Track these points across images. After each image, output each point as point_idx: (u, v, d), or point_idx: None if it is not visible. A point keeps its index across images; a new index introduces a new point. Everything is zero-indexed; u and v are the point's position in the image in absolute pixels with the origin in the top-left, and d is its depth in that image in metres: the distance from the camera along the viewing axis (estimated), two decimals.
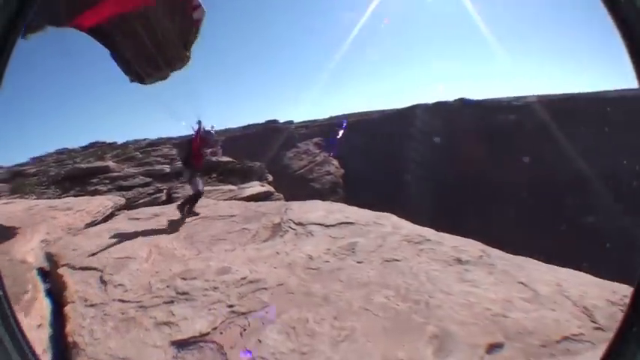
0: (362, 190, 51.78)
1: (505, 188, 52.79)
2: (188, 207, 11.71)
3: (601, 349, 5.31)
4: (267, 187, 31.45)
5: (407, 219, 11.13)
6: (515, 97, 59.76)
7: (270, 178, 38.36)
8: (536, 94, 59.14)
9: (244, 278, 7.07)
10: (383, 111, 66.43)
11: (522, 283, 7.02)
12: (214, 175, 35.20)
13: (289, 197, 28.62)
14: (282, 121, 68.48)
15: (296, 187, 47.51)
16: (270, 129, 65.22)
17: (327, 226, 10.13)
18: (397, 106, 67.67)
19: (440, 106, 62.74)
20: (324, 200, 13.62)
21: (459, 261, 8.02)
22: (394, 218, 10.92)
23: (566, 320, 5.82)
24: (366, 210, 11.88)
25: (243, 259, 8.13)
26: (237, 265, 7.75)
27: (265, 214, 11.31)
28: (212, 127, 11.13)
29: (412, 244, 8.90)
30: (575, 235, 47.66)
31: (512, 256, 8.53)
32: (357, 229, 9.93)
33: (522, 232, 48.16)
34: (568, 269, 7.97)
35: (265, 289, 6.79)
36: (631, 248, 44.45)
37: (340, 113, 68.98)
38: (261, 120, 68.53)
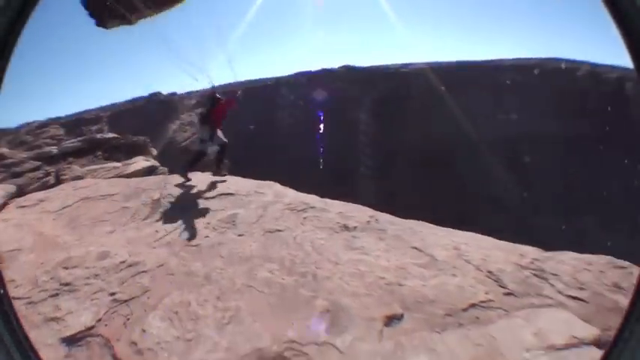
0: (248, 159, 51.18)
1: (397, 155, 54.16)
2: (216, 168, 11.42)
3: (518, 317, 4.89)
4: (152, 162, 30.05)
5: (292, 188, 10.60)
6: (403, 64, 60.94)
7: (155, 152, 36.68)
8: (426, 61, 60.61)
9: (124, 262, 6.66)
10: (266, 79, 65.39)
11: (417, 248, 6.70)
12: (99, 153, 33.09)
13: (174, 170, 27.80)
14: (165, 92, 65.79)
15: (181, 159, 46.08)
16: (155, 102, 62.58)
17: (206, 198, 9.62)
18: (282, 74, 66.45)
19: (324, 74, 63.14)
20: (209, 171, 12.80)
21: (346, 228, 7.57)
22: (277, 187, 10.39)
23: (470, 286, 5.52)
24: (248, 179, 11.35)
25: (122, 242, 7.58)
26: (116, 249, 7.16)
27: (145, 190, 10.76)
28: (239, 92, 11.17)
29: (295, 213, 8.40)
30: (471, 203, 49.90)
31: (403, 220, 8.21)
32: (237, 199, 9.38)
33: (418, 199, 49.74)
34: (466, 232, 7.75)
35: (145, 272, 6.31)
36: (528, 216, 47.63)
37: (224, 82, 66.85)
38: (145, 93, 65.13)
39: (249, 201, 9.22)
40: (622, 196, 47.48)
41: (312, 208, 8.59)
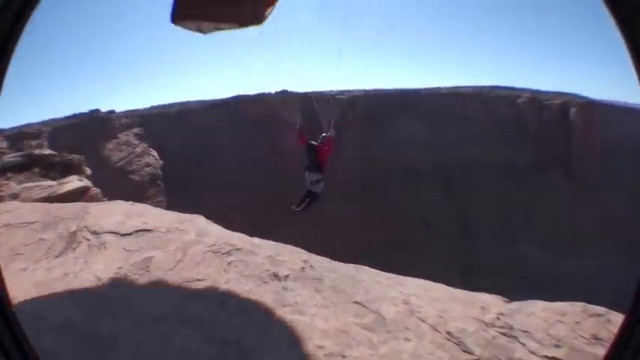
0: (180, 184, 49.77)
1: (334, 182, 53.54)
2: (304, 204, 10.55)
3: None
4: (85, 182, 29.39)
5: (222, 218, 9.46)
6: (340, 91, 61.09)
7: (89, 171, 35.52)
8: (364, 88, 61.08)
9: (30, 314, 5.48)
10: (204, 101, 64.52)
11: (360, 303, 5.71)
12: (37, 170, 32.31)
13: (108, 191, 27.09)
14: (104, 110, 64.13)
15: (115, 179, 44.37)
16: (94, 119, 60.70)
17: (122, 235, 8.49)
18: (219, 97, 65.68)
19: (262, 98, 62.49)
20: (141, 195, 11.64)
21: (277, 276, 6.46)
22: (200, 222, 9.20)
23: (429, 354, 4.55)
24: (170, 213, 10.32)
25: (30, 285, 6.64)
26: (22, 293, 6.17)
27: (64, 219, 9.84)
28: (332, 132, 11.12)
29: (219, 256, 7.25)
30: (410, 229, 49.82)
31: (342, 265, 7.27)
32: (155, 238, 8.23)
33: (355, 226, 49.24)
34: (415, 279, 6.77)
35: (49, 329, 5.31)
36: (468, 241, 47.76)
37: (161, 103, 65.73)
38: (85, 109, 63.37)
39: (167, 240, 8.06)
40: (561, 219, 48.64)
41: (237, 250, 7.43)
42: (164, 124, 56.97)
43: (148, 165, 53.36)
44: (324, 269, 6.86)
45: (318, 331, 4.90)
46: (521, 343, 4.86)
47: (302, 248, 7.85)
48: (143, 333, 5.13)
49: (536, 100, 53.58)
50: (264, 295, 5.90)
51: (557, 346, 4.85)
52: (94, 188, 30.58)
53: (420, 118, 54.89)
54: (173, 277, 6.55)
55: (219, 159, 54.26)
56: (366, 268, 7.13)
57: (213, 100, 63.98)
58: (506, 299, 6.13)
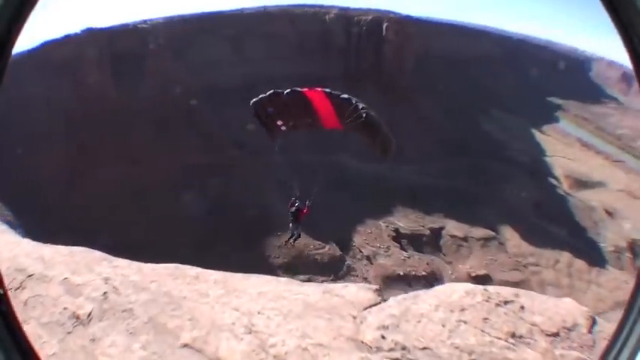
0: None
1: (139, 110, 50.63)
2: (289, 241, 14.23)
3: None
4: None
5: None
6: (142, 20, 56.58)
7: None
8: (165, 15, 57.25)
9: None
10: None
11: (190, 346, 4.60)
12: None
13: None
14: None
15: None
16: None
17: None
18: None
19: (66, 40, 55.67)
20: None
21: (78, 318, 5.03)
22: None
23: None
24: None
25: None
26: None
27: None
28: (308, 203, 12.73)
29: (13, 295, 5.47)
30: (219, 152, 48.98)
31: (152, 271, 5.93)
32: None
33: (165, 154, 47.29)
34: (248, 278, 5.81)
35: None
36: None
37: None
38: None
39: None
40: None
41: (30, 277, 5.78)
42: None
43: None
44: (131, 288, 5.49)
45: None
46: None
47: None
48: None
49: (345, 16, 54.45)
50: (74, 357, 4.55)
51: None
52: None
53: (224, 39, 53.19)
54: None
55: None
56: (184, 269, 5.93)
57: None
58: (383, 298, 5.68)
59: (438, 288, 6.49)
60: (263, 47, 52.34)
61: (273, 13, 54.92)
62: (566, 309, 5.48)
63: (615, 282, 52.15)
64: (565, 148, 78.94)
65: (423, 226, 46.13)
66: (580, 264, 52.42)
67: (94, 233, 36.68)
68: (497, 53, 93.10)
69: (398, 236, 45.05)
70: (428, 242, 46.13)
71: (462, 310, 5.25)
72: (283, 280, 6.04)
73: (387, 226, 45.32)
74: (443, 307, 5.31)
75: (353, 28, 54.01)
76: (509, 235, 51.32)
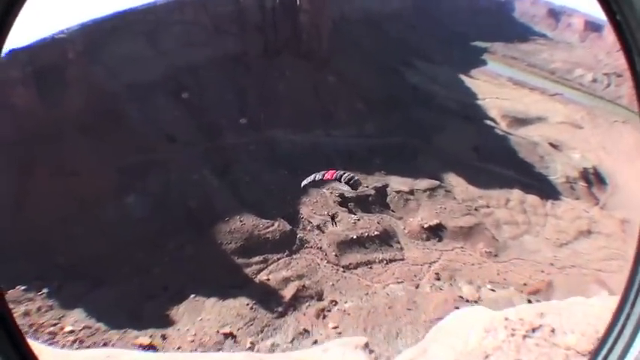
0: None
1: (65, 120, 49.51)
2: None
3: None
4: None
5: None
6: (59, 31, 55.04)
7: None
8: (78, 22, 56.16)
9: None
10: None
11: None
12: None
13: None
14: None
15: None
16: None
17: None
18: None
19: None
20: None
21: None
22: None
23: None
24: None
25: None
26: None
27: None
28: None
29: None
30: (155, 146, 48.18)
31: None
32: None
33: (98, 159, 46.31)
34: None
35: None
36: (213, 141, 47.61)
37: None
38: None
39: None
40: (303, 97, 51.28)
41: None
42: None
43: None
44: None
45: None
46: None
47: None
48: None
49: None
50: None
51: None
52: None
53: (140, 35, 52.01)
54: None
55: None
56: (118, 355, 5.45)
57: None
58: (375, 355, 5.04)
59: (444, 326, 5.77)
60: (179, 36, 51.57)
61: (184, 1, 53.87)
62: (595, 314, 5.14)
63: (574, 212, 53.48)
64: (497, 89, 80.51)
65: (367, 187, 46.13)
66: (532, 199, 53.51)
67: (48, 255, 36.51)
68: (410, 7, 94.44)
69: (344, 201, 45.13)
70: (375, 202, 46.36)
71: (487, 357, 4.75)
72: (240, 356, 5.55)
73: (332, 193, 45.37)
74: None
75: (267, 3, 53.45)
76: (455, 182, 52.05)
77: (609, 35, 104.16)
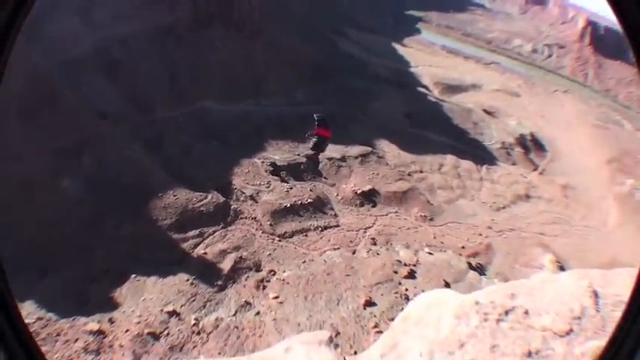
0: None
1: (9, 103, 48.11)
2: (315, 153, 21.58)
3: None
4: None
5: None
6: None
7: None
8: None
9: None
10: None
11: None
12: None
13: None
14: None
15: None
16: None
17: None
18: None
19: None
20: None
21: None
22: None
23: None
24: None
25: None
26: None
27: None
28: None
29: None
30: (87, 125, 47.40)
31: None
32: None
33: (33, 144, 45.47)
34: None
35: None
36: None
37: None
38: None
39: None
40: (235, 68, 51.39)
41: None
42: None
43: None
44: None
45: None
46: None
47: None
48: None
49: None
50: None
51: None
52: None
53: (71, 12, 50.69)
54: None
55: None
56: None
57: None
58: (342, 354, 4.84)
59: (410, 314, 5.87)
60: (110, 11, 50.31)
61: None
62: (569, 293, 5.12)
63: (510, 177, 55.06)
64: (430, 57, 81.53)
65: (298, 155, 46.59)
66: (467, 164, 54.79)
67: None
68: None
69: (276, 169, 45.53)
70: (306, 169, 46.91)
71: (462, 346, 4.73)
72: None
73: (263, 162, 45.55)
74: (438, 351, 4.72)
75: None
76: (387, 148, 52.93)
77: (554, 8, 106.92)
